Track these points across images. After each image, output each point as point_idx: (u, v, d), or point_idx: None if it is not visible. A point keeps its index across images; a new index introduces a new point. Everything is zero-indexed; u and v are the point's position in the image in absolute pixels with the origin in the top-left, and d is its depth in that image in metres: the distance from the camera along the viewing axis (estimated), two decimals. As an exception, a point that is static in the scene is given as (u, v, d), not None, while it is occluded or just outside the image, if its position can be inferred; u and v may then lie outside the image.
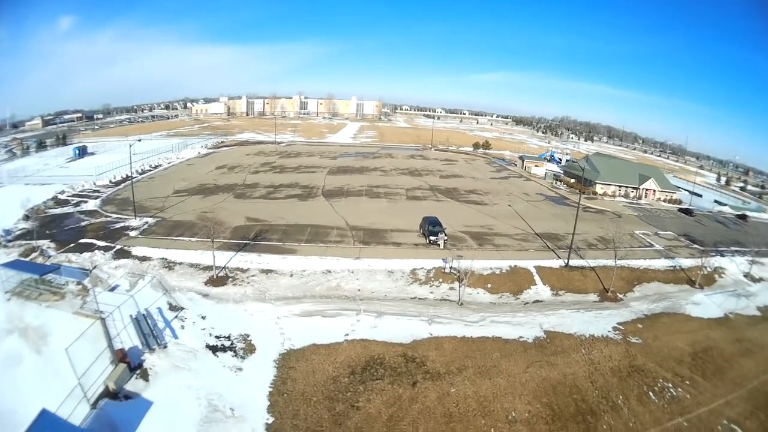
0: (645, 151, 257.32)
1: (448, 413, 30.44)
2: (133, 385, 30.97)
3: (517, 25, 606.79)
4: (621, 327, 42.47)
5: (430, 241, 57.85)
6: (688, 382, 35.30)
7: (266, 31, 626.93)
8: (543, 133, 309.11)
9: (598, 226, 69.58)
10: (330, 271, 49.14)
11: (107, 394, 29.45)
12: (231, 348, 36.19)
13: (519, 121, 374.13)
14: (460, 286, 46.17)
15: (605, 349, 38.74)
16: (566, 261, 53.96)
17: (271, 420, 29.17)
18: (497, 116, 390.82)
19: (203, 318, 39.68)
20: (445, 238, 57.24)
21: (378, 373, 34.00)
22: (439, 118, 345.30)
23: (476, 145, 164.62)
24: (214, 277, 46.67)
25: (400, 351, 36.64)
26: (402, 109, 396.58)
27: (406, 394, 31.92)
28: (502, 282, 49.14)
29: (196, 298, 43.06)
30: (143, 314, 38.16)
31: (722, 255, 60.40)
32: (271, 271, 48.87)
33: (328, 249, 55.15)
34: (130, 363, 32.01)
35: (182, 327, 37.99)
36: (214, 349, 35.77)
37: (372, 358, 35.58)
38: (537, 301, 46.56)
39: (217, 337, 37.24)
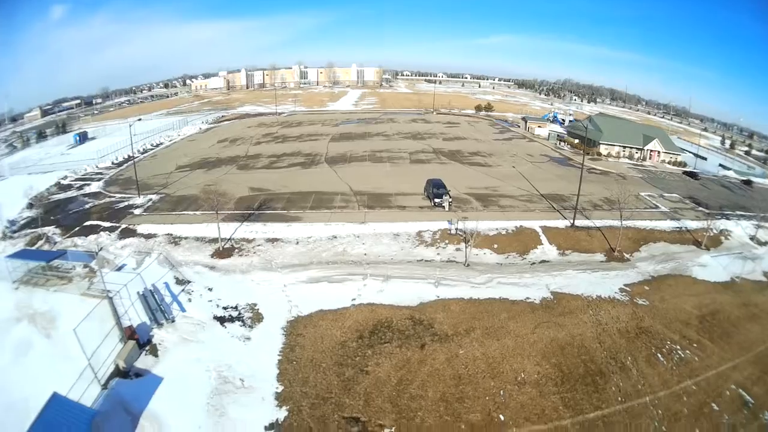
0: (648, 113, 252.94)
1: (458, 375, 30.46)
2: (143, 361, 30.97)
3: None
4: (628, 288, 42.07)
5: (435, 203, 57.55)
6: (695, 345, 34.99)
7: (263, 3, 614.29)
8: (545, 95, 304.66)
9: (602, 187, 68.83)
10: (335, 237, 49.01)
11: (118, 372, 29.50)
12: (239, 318, 36.15)
13: (521, 84, 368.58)
14: (466, 247, 45.99)
15: (612, 311, 38.44)
16: (572, 221, 53.47)
17: (280, 388, 29.25)
18: (499, 80, 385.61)
19: (210, 290, 39.61)
20: (450, 200, 56.92)
21: (386, 336, 34.02)
22: (440, 83, 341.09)
23: (478, 108, 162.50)
24: (220, 249, 46.60)
25: (408, 314, 36.60)
26: (403, 75, 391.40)
27: (414, 357, 31.94)
28: (509, 242, 48.87)
29: (203, 270, 42.99)
30: (150, 290, 38.15)
31: (728, 218, 59.57)
32: (276, 239, 48.75)
33: (332, 215, 55.00)
34: (138, 339, 31.95)
35: (189, 300, 37.93)
36: (221, 320, 35.71)
37: (380, 322, 35.59)
38: (543, 261, 46.28)
39: (224, 308, 37.18)
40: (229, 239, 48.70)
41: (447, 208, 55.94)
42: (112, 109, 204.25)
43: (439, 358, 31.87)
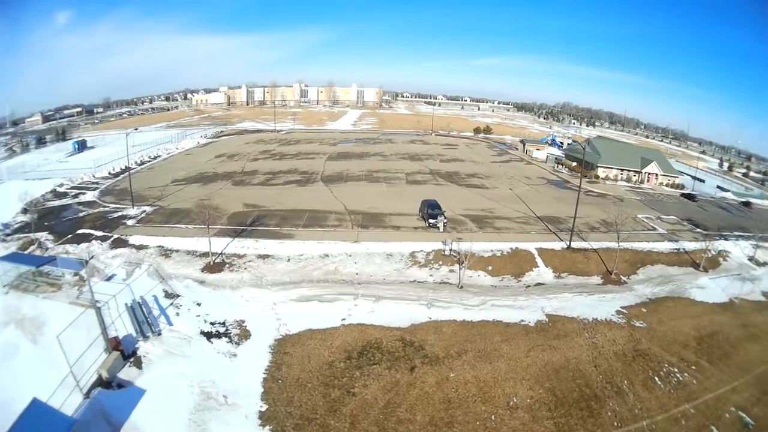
0: (647, 137, 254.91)
1: (447, 399, 29.61)
2: (127, 373, 30.20)
3: (518, 8, 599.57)
4: (625, 311, 41.44)
5: (429, 224, 56.96)
6: (694, 367, 34.38)
7: (265, 19, 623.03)
8: (544, 119, 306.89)
9: (600, 209, 68.41)
10: (327, 255, 48.29)
11: (100, 382, 28.84)
12: (226, 334, 35.46)
13: (520, 107, 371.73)
14: (460, 269, 45.26)
15: (609, 333, 37.78)
16: (568, 243, 52.88)
17: (264, 407, 28.45)
18: (498, 102, 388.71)
19: (198, 305, 38.87)
20: (445, 220, 56.29)
21: (375, 357, 33.23)
22: (440, 105, 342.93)
23: (477, 130, 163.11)
24: (211, 263, 46.02)
25: (398, 335, 35.83)
26: (403, 97, 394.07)
27: (403, 380, 31.11)
28: (504, 264, 48.23)
29: (192, 285, 42.30)
30: (138, 302, 37.51)
31: (726, 239, 59.28)
32: (268, 256, 48.12)
33: (326, 233, 54.33)
34: (123, 351, 31.33)
35: (177, 314, 37.18)
36: (208, 336, 35.04)
37: (369, 343, 34.80)
38: (539, 284, 45.63)
39: (212, 324, 36.50)
40: (221, 254, 48.11)
41: (442, 229, 55.34)
42: (112, 119, 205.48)
43: (428, 381, 31.02)
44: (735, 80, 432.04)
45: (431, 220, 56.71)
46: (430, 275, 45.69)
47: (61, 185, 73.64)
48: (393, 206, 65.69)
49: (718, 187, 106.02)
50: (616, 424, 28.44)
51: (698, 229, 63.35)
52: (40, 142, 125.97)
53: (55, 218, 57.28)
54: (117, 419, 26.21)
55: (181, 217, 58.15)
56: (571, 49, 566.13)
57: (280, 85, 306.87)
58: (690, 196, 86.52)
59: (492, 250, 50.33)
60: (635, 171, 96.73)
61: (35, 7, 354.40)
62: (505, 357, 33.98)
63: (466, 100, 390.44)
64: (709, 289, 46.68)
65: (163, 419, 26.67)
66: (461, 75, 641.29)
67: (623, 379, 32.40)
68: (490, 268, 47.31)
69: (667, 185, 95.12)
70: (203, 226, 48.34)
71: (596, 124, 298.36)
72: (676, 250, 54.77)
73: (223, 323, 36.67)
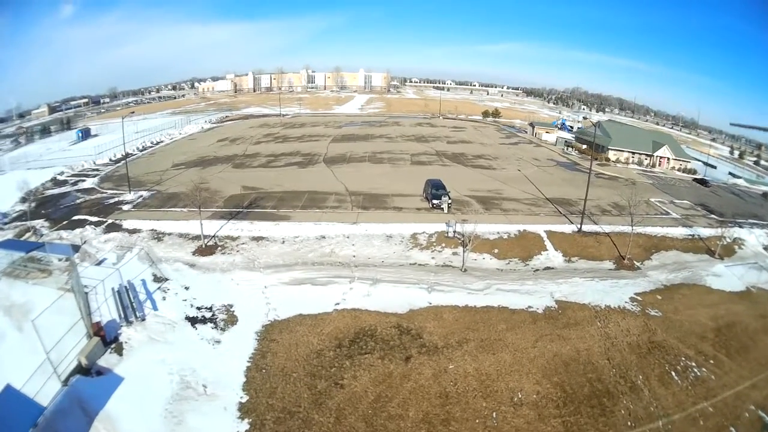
0: (657, 123, 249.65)
1: (445, 393, 27.03)
2: (107, 360, 28.53)
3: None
4: (639, 298, 38.61)
5: (433, 204, 54.47)
6: (712, 361, 31.56)
7: (272, 6, 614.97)
8: (554, 104, 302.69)
9: (611, 192, 65.43)
10: (324, 237, 45.97)
11: (80, 369, 27.34)
12: (211, 319, 33.39)
13: (530, 93, 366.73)
14: (464, 252, 42.51)
15: (622, 322, 34.98)
16: (579, 226, 50.10)
17: (245, 398, 26.22)
18: (508, 88, 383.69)
19: (186, 289, 37.01)
20: (449, 201, 53.68)
21: (368, 346, 30.66)
22: (449, 90, 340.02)
23: (486, 114, 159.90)
24: (203, 246, 44.03)
25: (395, 321, 33.25)
26: (411, 82, 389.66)
27: (397, 371, 28.51)
28: (510, 247, 45.56)
29: (183, 268, 40.44)
30: (125, 287, 35.88)
31: (740, 226, 56.03)
32: (262, 238, 45.95)
33: (323, 214, 51.96)
34: (105, 336, 29.85)
35: (164, 298, 35.44)
36: (193, 321, 33.09)
37: (362, 330, 32.28)
38: (548, 268, 42.94)
39: (198, 308, 34.53)
40: (213, 236, 46.08)
41: (446, 210, 52.79)
42: (119, 108, 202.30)
43: (425, 373, 28.39)
44: (745, 70, 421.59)
45: (435, 201, 54.26)
46: (432, 258, 43.17)
47: (62, 173, 72.75)
48: (396, 187, 63.31)
49: (730, 173, 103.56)
50: (630, 423, 25.78)
51: (712, 215, 60.34)
52: (45, 132, 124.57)
53: (53, 206, 56.15)
54: (92, 408, 24.83)
55: (177, 201, 56.27)
56: (581, 35, 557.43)
57: (287, 71, 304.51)
58: (702, 182, 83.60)
59: (498, 232, 47.70)
60: (646, 154, 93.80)
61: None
62: (510, 347, 31.26)
63: (474, 85, 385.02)
64: (725, 277, 43.85)
65: (139, 409, 24.99)
66: (470, 60, 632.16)
67: (638, 373, 29.65)
68: (496, 250, 44.73)
69: (678, 170, 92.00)
70: (197, 209, 46.59)
71: (606, 110, 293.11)
72: (690, 236, 52.00)
73: (210, 308, 34.69)
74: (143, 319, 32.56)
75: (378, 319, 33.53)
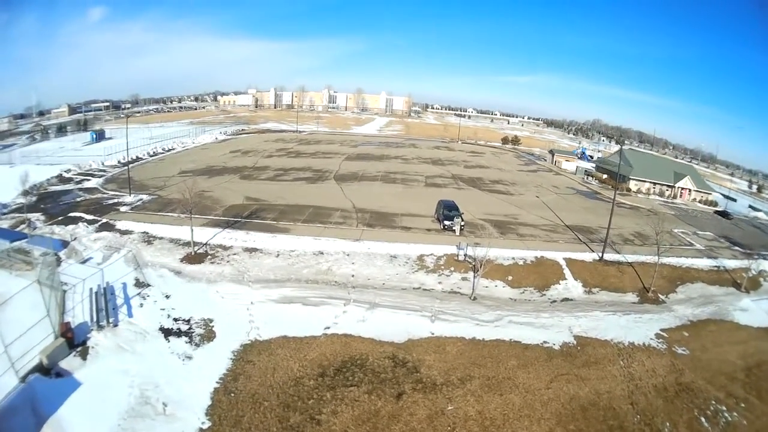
0: (676, 157, 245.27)
1: (439, 441, 23.05)
2: (69, 362, 26.12)
3: (551, 27, 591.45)
4: (665, 334, 34.82)
5: (444, 226, 50.95)
6: (743, 405, 27.77)
7: (296, 26, 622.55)
8: (574, 134, 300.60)
9: (633, 221, 62.29)
10: (322, 253, 42.57)
11: (40, 368, 25.43)
12: (187, 333, 30.15)
13: (550, 123, 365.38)
14: (474, 277, 38.84)
15: (647, 362, 31.05)
16: (601, 254, 46.41)
17: (206, 424, 22.66)
18: (528, 118, 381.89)
19: (167, 297, 34.02)
20: (462, 223, 50.06)
21: (355, 377, 26.76)
22: (469, 117, 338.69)
23: (505, 140, 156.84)
24: (192, 253, 41.14)
25: (390, 352, 29.37)
26: (433, 108, 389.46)
27: (386, 409, 24.47)
28: (526, 274, 41.78)
29: (167, 275, 37.58)
30: (104, 289, 33.29)
31: (765, 259, 52.43)
32: (255, 249, 42.77)
33: (325, 230, 48.72)
34: (72, 338, 27.62)
35: (141, 305, 32.65)
36: (167, 333, 30.00)
37: (351, 358, 28.46)
38: (566, 299, 39.04)
39: (175, 320, 31.40)
40: (205, 244, 43.21)
41: (458, 232, 49.17)
42: (138, 114, 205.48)
43: (418, 414, 24.29)
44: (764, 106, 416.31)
45: (446, 222, 50.78)
46: (439, 282, 39.44)
47: (69, 171, 72.56)
48: (407, 207, 59.98)
49: (750, 206, 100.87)
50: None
51: (736, 248, 57.04)
52: (61, 130, 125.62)
53: (53, 201, 55.26)
54: (44, 410, 22.74)
55: (176, 206, 53.44)
56: (602, 69, 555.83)
57: (309, 90, 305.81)
58: (724, 214, 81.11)
59: (513, 258, 44.02)
60: (668, 185, 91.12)
61: (69, 1, 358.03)
62: (520, 387, 27.21)
63: (495, 114, 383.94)
64: (752, 311, 40.41)
65: (91, 419, 22.24)
66: (492, 90, 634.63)
67: (665, 420, 25.68)
68: (510, 278, 40.96)
69: (700, 201, 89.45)
70: (196, 215, 44.79)
71: (626, 142, 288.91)
72: (716, 268, 48.49)
73: (188, 320, 31.50)
74: (115, 325, 30.01)
75: (371, 347, 29.71)
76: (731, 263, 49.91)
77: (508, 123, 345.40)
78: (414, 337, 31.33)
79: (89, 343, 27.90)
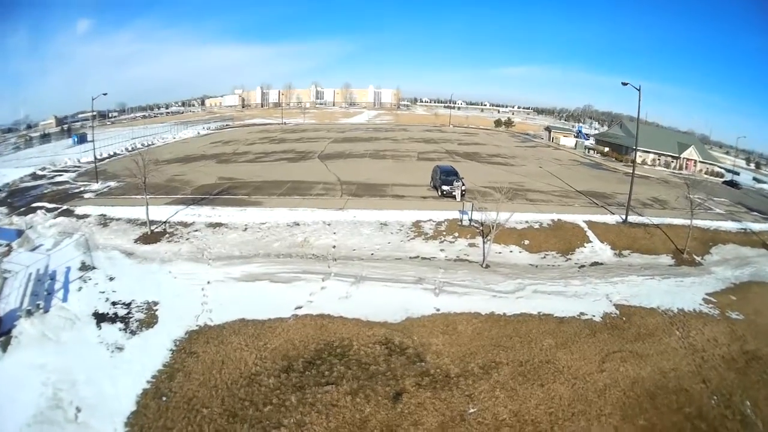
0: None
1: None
2: None
3: (540, 18, 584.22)
4: (713, 299, 29.22)
5: (443, 192, 44.64)
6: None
7: (283, 30, 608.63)
8: (565, 120, 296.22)
9: (646, 189, 58.01)
10: (298, 224, 36.04)
11: None
12: (124, 318, 24.37)
13: (540, 111, 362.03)
14: (484, 242, 32.60)
15: (705, 330, 25.22)
16: (624, 217, 40.75)
17: (125, 438, 16.17)
18: (519, 107, 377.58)
19: (111, 279, 28.48)
20: (464, 187, 43.49)
21: (333, 372, 19.90)
22: (459, 109, 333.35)
23: (498, 123, 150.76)
24: (149, 233, 35.38)
25: (382, 335, 22.67)
26: (422, 101, 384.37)
27: (378, 417, 17.52)
28: (544, 238, 35.39)
29: (118, 256, 32.09)
30: (44, 274, 29.94)
31: (788, 222, 48.89)
32: (220, 224, 36.40)
33: (303, 200, 42.44)
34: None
35: (79, 289, 27.51)
36: (101, 318, 24.51)
37: (329, 346, 21.74)
38: (596, 264, 32.74)
39: (113, 303, 25.82)
40: (164, 222, 37.37)
41: (458, 198, 42.67)
42: (124, 121, 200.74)
43: (426, 422, 17.35)
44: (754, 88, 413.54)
45: (445, 187, 44.44)
46: (441, 250, 32.88)
47: (44, 169, 68.37)
48: (398, 179, 53.61)
49: (755, 179, 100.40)
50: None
51: (754, 212, 53.49)
52: (44, 137, 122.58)
53: (21, 195, 51.04)
54: None
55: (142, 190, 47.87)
56: (592, 57, 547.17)
57: (296, 87, 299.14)
58: (733, 184, 78.98)
59: (527, 221, 37.68)
60: (673, 156, 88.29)
61: (57, 15, 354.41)
62: (565, 374, 20.61)
63: (485, 105, 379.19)
64: None
65: None
66: (481, 84, 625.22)
67: (744, 398, 19.93)
68: (526, 242, 34.55)
69: (706, 173, 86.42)
70: (158, 195, 41.47)
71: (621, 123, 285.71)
72: (743, 230, 44.03)
73: (128, 304, 25.80)
74: (46, 311, 25.62)
75: (356, 330, 23.12)
76: (756, 226, 45.88)
77: (498, 113, 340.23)
78: (414, 314, 24.84)
79: (15, 332, 23.59)
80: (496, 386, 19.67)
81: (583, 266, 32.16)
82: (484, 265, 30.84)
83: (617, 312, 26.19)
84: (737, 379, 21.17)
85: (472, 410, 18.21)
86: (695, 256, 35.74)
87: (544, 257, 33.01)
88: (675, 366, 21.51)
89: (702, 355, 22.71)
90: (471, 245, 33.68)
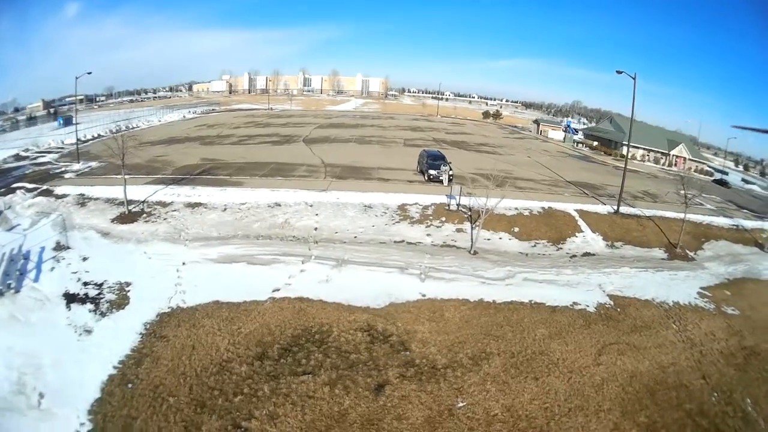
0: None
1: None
2: None
3: (531, 11, 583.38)
4: (707, 293, 28.70)
5: (430, 176, 43.78)
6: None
7: (270, 16, 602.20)
8: (554, 116, 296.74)
9: (637, 182, 57.54)
10: (279, 205, 34.84)
11: None
12: (94, 300, 23.15)
13: (529, 106, 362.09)
14: (472, 228, 31.58)
15: (702, 324, 24.60)
16: (615, 207, 40.07)
17: (85, 427, 15.38)
18: (507, 100, 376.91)
19: (84, 260, 27.23)
20: (451, 172, 42.38)
21: (310, 360, 18.68)
22: (447, 100, 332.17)
23: (486, 114, 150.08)
24: (126, 212, 34.19)
25: (364, 320, 21.53)
26: (410, 92, 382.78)
27: (358, 410, 16.35)
28: (535, 226, 34.50)
29: (93, 236, 30.92)
30: (17, 254, 28.62)
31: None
32: (199, 204, 35.10)
33: (285, 181, 41.23)
34: None
35: (52, 269, 26.40)
36: (71, 299, 23.35)
37: (307, 331, 20.52)
38: (587, 254, 31.92)
39: (85, 284, 24.65)
40: (143, 202, 36.19)
41: (445, 183, 41.61)
42: (111, 105, 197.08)
43: (411, 416, 16.22)
44: (745, 88, 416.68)
45: (432, 171, 43.56)
46: (428, 234, 31.88)
47: (27, 150, 66.70)
48: (384, 163, 52.57)
49: (743, 179, 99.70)
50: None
51: (745, 210, 53.15)
52: (30, 120, 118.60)
53: (2, 176, 49.21)
54: None
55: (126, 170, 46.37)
56: (581, 53, 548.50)
57: (284, 74, 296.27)
58: (723, 182, 78.87)
59: (517, 208, 36.75)
60: (662, 152, 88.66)
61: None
62: (560, 366, 19.58)
63: (474, 97, 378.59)
64: None
65: None
66: (469, 76, 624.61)
67: (744, 395, 19.20)
68: (515, 229, 33.63)
69: (695, 171, 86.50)
70: (138, 175, 40.70)
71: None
72: (735, 227, 43.91)
73: (100, 285, 24.61)
74: (17, 291, 24.62)
75: (337, 315, 21.95)
76: (748, 223, 45.57)
77: (487, 105, 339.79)
78: (398, 300, 23.74)
79: (-17, 313, 21.85)
80: (487, 379, 18.57)
81: (574, 256, 31.31)
82: (472, 252, 29.83)
83: (611, 303, 25.37)
84: (737, 376, 20.53)
85: (461, 404, 17.14)
86: (688, 251, 35.31)
87: (535, 245, 32.09)
88: (674, 360, 20.70)
89: (700, 350, 21.97)
90: (458, 231, 32.67)
